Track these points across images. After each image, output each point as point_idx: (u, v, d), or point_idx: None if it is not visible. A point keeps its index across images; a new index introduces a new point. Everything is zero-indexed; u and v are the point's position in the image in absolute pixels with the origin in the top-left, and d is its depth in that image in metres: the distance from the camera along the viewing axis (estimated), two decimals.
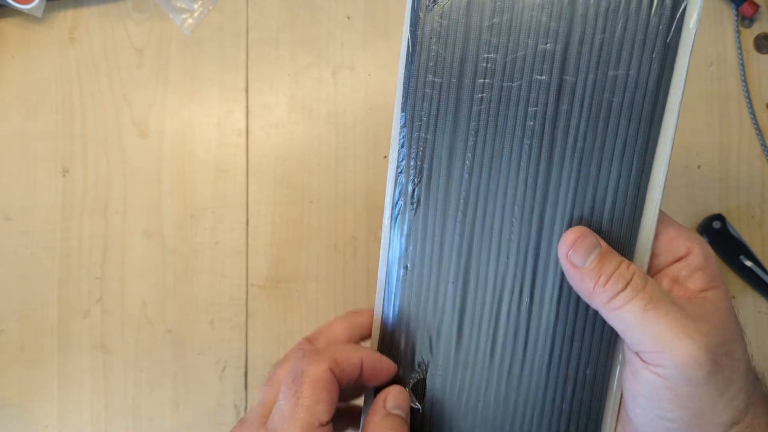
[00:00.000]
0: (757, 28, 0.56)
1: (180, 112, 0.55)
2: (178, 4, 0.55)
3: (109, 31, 0.56)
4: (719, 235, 0.54)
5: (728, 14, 0.56)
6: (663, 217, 0.31)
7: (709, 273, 0.29)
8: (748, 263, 0.54)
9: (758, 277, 0.54)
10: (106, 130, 0.55)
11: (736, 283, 0.56)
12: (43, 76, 0.55)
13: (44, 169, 0.55)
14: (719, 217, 0.54)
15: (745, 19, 0.56)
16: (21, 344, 0.55)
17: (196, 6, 0.55)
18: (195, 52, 0.55)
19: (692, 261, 0.29)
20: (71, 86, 0.55)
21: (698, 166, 0.56)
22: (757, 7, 0.55)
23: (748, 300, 0.56)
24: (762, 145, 0.56)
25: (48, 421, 0.54)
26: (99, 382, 0.54)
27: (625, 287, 0.28)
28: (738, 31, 0.56)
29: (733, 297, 0.55)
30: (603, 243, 0.29)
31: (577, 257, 0.29)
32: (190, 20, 0.55)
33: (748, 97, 0.56)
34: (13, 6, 0.53)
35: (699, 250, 0.30)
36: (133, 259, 0.54)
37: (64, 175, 0.55)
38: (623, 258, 0.29)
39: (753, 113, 0.56)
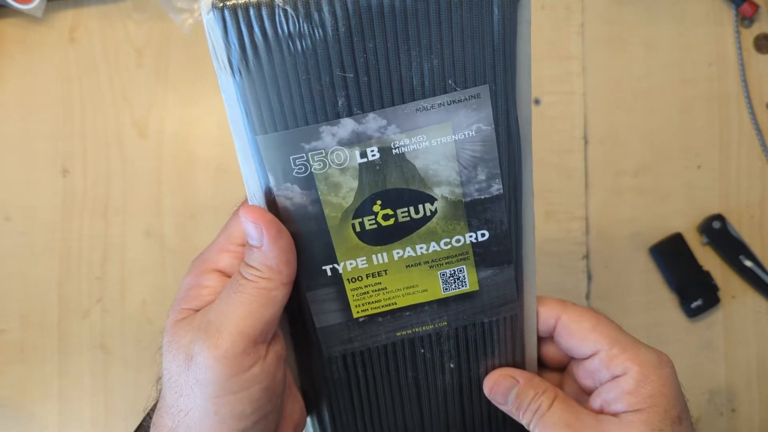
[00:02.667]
0: (757, 28, 0.56)
1: (180, 112, 0.55)
2: (178, 4, 0.55)
3: (109, 31, 0.56)
4: (719, 235, 0.54)
5: (728, 14, 0.56)
6: (612, 334, 0.33)
7: (640, 396, 0.31)
8: (748, 263, 0.54)
9: (758, 277, 0.55)
10: (106, 130, 0.55)
11: (736, 283, 0.56)
12: (43, 76, 0.56)
13: (44, 169, 0.55)
14: (719, 217, 0.54)
15: (745, 19, 0.56)
16: (21, 344, 0.55)
17: (196, 6, 0.55)
18: (195, 52, 0.55)
19: (623, 383, 0.31)
20: (71, 86, 0.55)
21: (698, 166, 0.56)
22: (757, 7, 0.55)
23: (747, 300, 0.56)
24: (762, 145, 0.56)
25: (48, 421, 0.54)
26: (99, 382, 0.54)
27: (533, 415, 0.33)
28: (738, 31, 0.56)
29: (733, 297, 0.55)
30: (521, 378, 0.34)
31: (498, 398, 0.35)
32: (190, 20, 0.55)
33: (748, 97, 0.56)
34: (14, 6, 0.53)
35: (635, 373, 0.31)
36: (133, 259, 0.54)
37: (64, 175, 0.55)
38: (539, 387, 0.34)
39: (753, 113, 0.56)
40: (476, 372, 0.36)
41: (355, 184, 0.31)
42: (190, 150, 0.55)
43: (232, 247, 0.32)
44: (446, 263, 0.33)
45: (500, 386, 0.35)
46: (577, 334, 0.33)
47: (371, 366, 0.35)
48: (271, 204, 0.31)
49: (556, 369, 0.37)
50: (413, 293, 0.33)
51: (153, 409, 0.32)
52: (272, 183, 0.30)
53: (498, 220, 0.32)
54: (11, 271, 0.55)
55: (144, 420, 0.35)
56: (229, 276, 0.32)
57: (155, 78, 0.55)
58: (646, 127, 0.56)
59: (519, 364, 0.36)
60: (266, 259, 0.30)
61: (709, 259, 0.55)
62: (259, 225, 0.29)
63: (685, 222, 0.55)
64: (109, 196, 0.55)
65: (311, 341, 0.34)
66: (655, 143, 0.56)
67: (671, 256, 0.54)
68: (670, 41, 0.56)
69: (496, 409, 0.36)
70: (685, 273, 0.54)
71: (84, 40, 0.56)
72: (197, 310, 0.31)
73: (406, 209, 0.32)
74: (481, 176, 0.31)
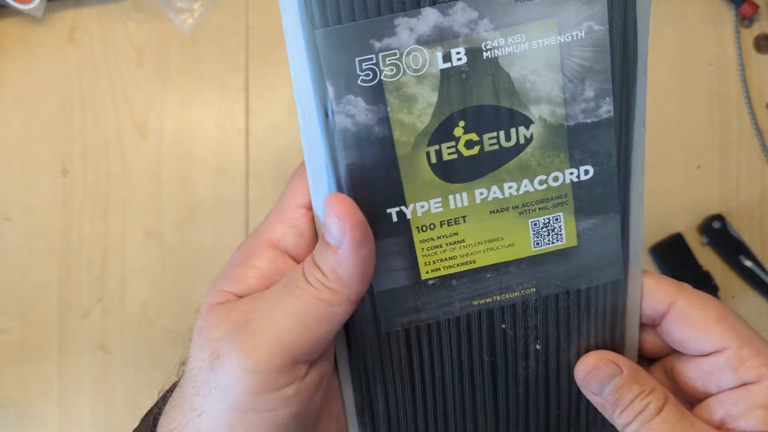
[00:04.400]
0: (757, 28, 0.56)
1: (180, 112, 0.55)
2: (178, 4, 0.55)
3: (109, 31, 0.56)
4: (719, 235, 0.54)
5: (728, 14, 0.56)
6: (743, 330, 0.27)
7: None
8: (748, 263, 0.54)
9: (758, 277, 0.55)
10: (106, 130, 0.55)
11: (736, 283, 0.56)
12: (43, 76, 0.56)
13: (44, 169, 0.55)
14: (719, 217, 0.54)
15: (745, 20, 0.56)
16: (21, 344, 0.55)
17: (196, 6, 0.55)
18: (195, 52, 0.55)
19: (757, 394, 0.25)
20: (71, 86, 0.55)
21: (698, 166, 0.56)
22: (756, 7, 0.55)
23: (747, 300, 0.56)
24: (762, 145, 0.56)
25: (48, 421, 0.54)
26: (99, 382, 0.54)
27: (635, 418, 0.27)
28: (738, 32, 0.56)
29: (733, 297, 0.55)
30: (626, 368, 0.28)
31: (593, 386, 0.28)
32: (190, 20, 0.55)
33: (748, 97, 0.56)
34: (14, 6, 0.53)
35: None
36: (133, 259, 0.54)
37: (64, 175, 0.55)
38: (646, 383, 0.27)
39: (753, 113, 0.56)
40: (566, 356, 0.29)
41: (433, 97, 0.25)
42: (190, 150, 0.55)
43: (287, 214, 0.27)
44: (540, 209, 0.27)
45: (598, 372, 0.28)
46: (697, 324, 0.27)
47: (439, 346, 0.28)
48: (327, 130, 0.25)
49: (646, 360, 0.30)
50: (497, 248, 0.27)
51: (169, 391, 0.29)
52: (331, 95, 0.24)
53: (605, 152, 0.26)
54: (11, 271, 0.55)
55: (157, 403, 0.31)
56: (284, 251, 0.27)
57: (155, 78, 0.55)
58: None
59: (617, 347, 0.29)
60: (339, 267, 0.24)
61: (709, 259, 0.55)
62: (343, 223, 0.24)
63: (685, 222, 0.55)
64: (109, 196, 0.55)
65: (366, 311, 0.28)
66: (655, 143, 0.56)
67: (671, 256, 0.54)
68: (670, 41, 0.56)
69: (589, 405, 0.29)
70: (685, 273, 0.54)
71: (84, 40, 0.56)
72: (240, 296, 0.26)
73: (494, 134, 0.25)
74: (589, 93, 0.25)
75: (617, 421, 0.27)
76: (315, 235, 0.27)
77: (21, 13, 0.55)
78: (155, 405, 0.31)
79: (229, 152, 0.54)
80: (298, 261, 0.27)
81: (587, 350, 0.29)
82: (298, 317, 0.24)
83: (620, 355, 0.29)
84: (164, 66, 0.55)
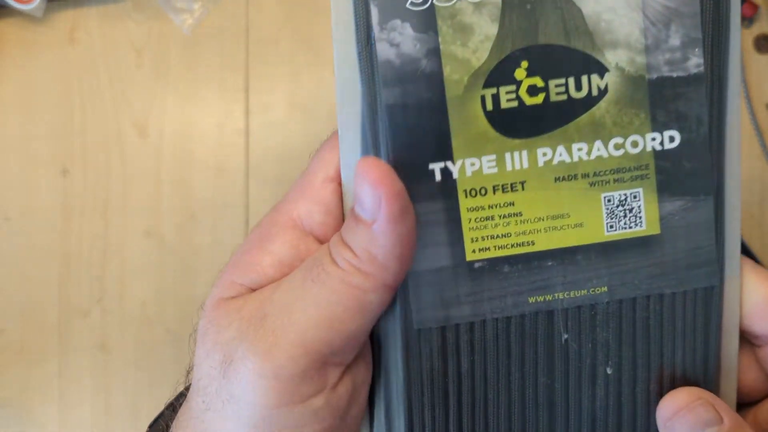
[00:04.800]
0: (757, 29, 0.56)
1: (180, 112, 0.55)
2: (178, 4, 0.55)
3: (109, 31, 0.56)
4: None
5: None
6: None
7: None
8: None
9: None
10: (106, 130, 0.55)
11: None
12: (43, 76, 0.56)
13: (44, 169, 0.55)
14: None
15: (745, 20, 0.56)
16: (21, 344, 0.55)
17: (196, 6, 0.55)
18: (195, 52, 0.55)
19: None
20: (71, 86, 0.55)
21: None
22: (757, 7, 0.55)
23: None
24: (762, 145, 0.56)
25: (48, 421, 0.54)
26: (99, 382, 0.54)
27: None
28: None
29: None
30: (727, 417, 0.21)
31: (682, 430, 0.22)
32: (190, 20, 0.55)
33: (748, 97, 0.56)
34: (14, 6, 0.53)
35: None
36: (133, 259, 0.54)
37: (64, 175, 0.55)
38: None
39: (753, 113, 0.56)
40: (644, 386, 0.23)
41: (493, 29, 0.21)
42: (190, 150, 0.55)
43: (313, 188, 0.23)
44: (615, 181, 0.22)
45: (691, 416, 0.21)
46: None
47: (483, 355, 0.23)
48: (367, 62, 0.21)
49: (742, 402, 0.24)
50: (561, 228, 0.22)
51: (177, 399, 0.26)
52: (374, 20, 0.21)
53: (694, 116, 0.21)
54: (11, 271, 0.55)
55: (163, 413, 0.28)
56: (308, 232, 0.23)
57: (155, 78, 0.55)
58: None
59: (710, 381, 0.23)
60: (373, 245, 0.20)
61: None
62: (378, 192, 0.20)
63: None
64: (109, 196, 0.55)
65: (394, 300, 0.23)
66: None
67: None
68: None
69: None
70: None
71: (84, 40, 0.56)
72: (253, 289, 0.22)
73: (563, 81, 0.21)
74: (675, 40, 0.21)
75: None
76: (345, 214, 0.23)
77: (21, 13, 0.55)
78: (163, 412, 0.28)
79: (229, 152, 0.54)
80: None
81: (672, 381, 0.23)
82: (325, 308, 0.20)
83: (719, 398, 0.22)
84: (164, 66, 0.55)
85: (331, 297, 0.20)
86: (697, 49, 0.21)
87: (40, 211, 0.55)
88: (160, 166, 0.55)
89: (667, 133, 0.22)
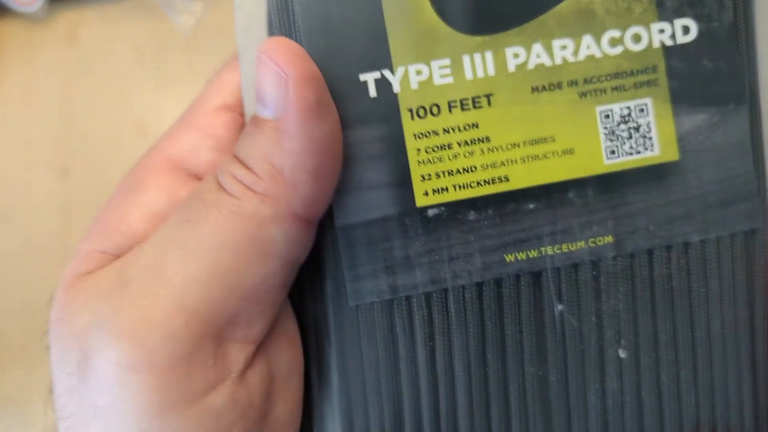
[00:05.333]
0: None
1: (180, 112, 0.55)
2: (178, 5, 0.55)
3: (109, 31, 0.56)
4: None
5: None
6: None
7: None
8: None
9: None
10: (106, 130, 0.55)
11: None
12: (43, 76, 0.56)
13: (44, 169, 0.55)
14: None
15: None
16: (21, 344, 0.55)
17: (196, 6, 0.55)
18: (195, 52, 0.55)
19: None
20: (72, 86, 0.55)
21: None
22: None
23: None
24: None
25: (48, 421, 0.54)
26: None
27: None
28: None
29: None
30: None
31: None
32: (190, 21, 0.55)
33: None
34: (15, 7, 0.53)
35: None
36: None
37: (64, 176, 0.55)
38: None
39: None
40: (671, 371, 0.17)
41: None
42: None
43: (201, 118, 0.18)
44: (613, 90, 0.16)
45: None
46: None
47: (446, 335, 0.17)
48: None
49: None
50: (545, 157, 0.16)
51: None
52: None
53: (714, 0, 0.16)
54: (11, 271, 0.55)
55: None
56: (192, 174, 0.17)
57: (155, 78, 0.55)
58: None
59: (759, 360, 0.17)
60: (276, 152, 0.14)
61: None
62: (284, 75, 0.14)
63: None
64: (108, 196, 0.55)
65: (321, 266, 0.17)
66: None
67: None
68: None
69: None
70: None
71: (84, 40, 0.56)
72: (117, 256, 0.16)
73: None
74: None
75: None
76: None
77: (22, 13, 0.55)
78: None
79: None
80: None
81: (709, 364, 0.17)
82: (208, 254, 0.14)
83: None
84: (164, 66, 0.55)
85: (216, 238, 0.14)
86: None
87: (40, 211, 0.55)
88: None
89: (679, 23, 0.16)
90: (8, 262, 0.55)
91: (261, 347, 0.16)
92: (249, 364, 0.15)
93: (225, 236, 0.15)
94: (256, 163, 0.15)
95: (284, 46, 0.15)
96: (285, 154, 0.14)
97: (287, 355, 0.17)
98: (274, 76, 0.14)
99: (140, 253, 0.16)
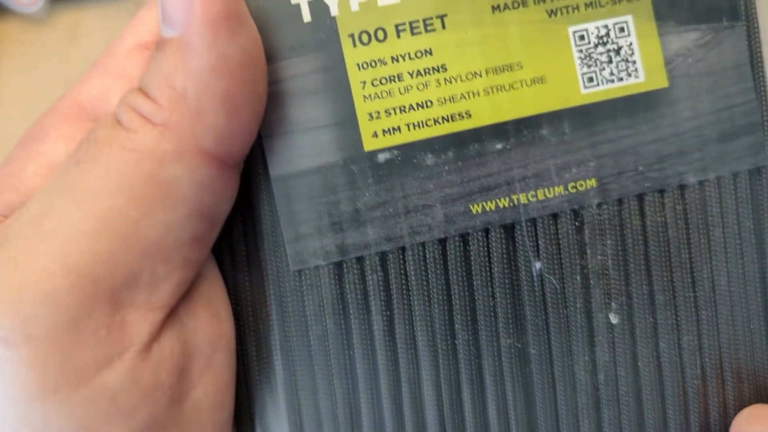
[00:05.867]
0: None
1: None
2: None
3: (110, 31, 0.56)
4: None
5: None
6: None
7: None
8: None
9: None
10: None
11: None
12: (43, 76, 0.55)
13: None
14: None
15: None
16: None
17: None
18: None
19: None
20: (71, 86, 0.55)
21: None
22: None
23: None
24: None
25: None
26: None
27: None
28: None
29: None
30: None
31: None
32: None
33: None
34: (15, 7, 0.53)
35: None
36: None
37: None
38: None
39: None
40: (671, 338, 0.14)
41: None
42: None
43: (118, 57, 0.15)
44: (587, 6, 0.14)
45: None
46: None
47: (405, 302, 0.14)
48: None
49: None
50: (513, 88, 0.14)
51: None
52: None
53: None
54: None
55: None
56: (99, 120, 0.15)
57: None
58: None
59: None
60: (180, 72, 0.12)
61: None
62: None
63: None
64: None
65: (256, 224, 0.15)
66: None
67: None
68: None
69: None
70: None
71: (85, 40, 0.56)
72: (7, 217, 0.14)
73: None
74: None
75: None
76: None
77: (22, 13, 0.55)
78: None
79: None
80: None
81: (716, 329, 0.15)
82: (95, 201, 0.12)
83: None
84: None
85: (107, 180, 0.12)
86: None
87: None
88: None
89: None
90: None
91: (172, 316, 0.13)
92: (155, 336, 0.13)
93: (118, 178, 0.12)
94: (156, 89, 0.13)
95: None
96: (188, 74, 0.12)
97: (209, 328, 0.14)
98: None
99: (24, 208, 0.13)
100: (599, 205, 0.15)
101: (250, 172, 0.15)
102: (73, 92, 0.16)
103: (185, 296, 0.14)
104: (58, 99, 0.17)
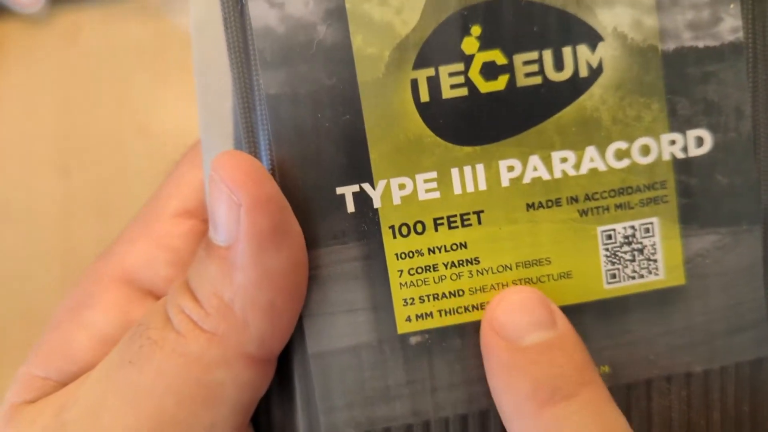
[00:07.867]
0: None
1: (181, 112, 0.55)
2: (178, 5, 0.55)
3: (110, 31, 0.56)
4: None
5: None
6: None
7: None
8: None
9: None
10: (107, 130, 0.55)
11: None
12: (43, 76, 0.56)
13: (44, 169, 0.55)
14: None
15: None
16: (21, 344, 0.55)
17: None
18: None
19: None
20: (72, 86, 0.55)
21: None
22: None
23: None
24: None
25: None
26: None
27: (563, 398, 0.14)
28: None
29: None
30: (562, 321, 0.15)
31: (510, 327, 0.14)
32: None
33: None
34: (15, 7, 0.53)
35: None
36: None
37: (64, 175, 0.55)
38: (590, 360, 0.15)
39: None
40: None
41: None
42: None
43: (156, 225, 0.17)
44: (617, 208, 0.15)
45: (525, 312, 0.14)
46: None
47: None
48: (236, 31, 0.14)
49: None
50: (540, 281, 0.15)
51: None
52: None
53: (732, 107, 0.14)
54: (11, 270, 0.55)
55: None
56: (146, 291, 0.16)
57: (156, 78, 0.55)
58: None
59: None
60: (226, 285, 0.13)
61: None
62: (235, 198, 0.13)
63: None
64: (109, 196, 0.55)
65: (292, 395, 0.16)
66: None
67: None
68: None
69: None
70: None
71: (85, 40, 0.56)
72: (64, 384, 0.15)
73: (535, 56, 0.14)
74: None
75: (506, 397, 0.15)
76: None
77: (22, 13, 0.55)
78: None
79: None
80: None
81: None
82: (148, 401, 0.13)
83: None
84: (165, 66, 0.55)
85: (158, 382, 0.13)
86: (732, 6, 0.14)
87: (40, 211, 0.55)
88: (161, 166, 0.55)
89: (692, 133, 0.15)
90: (8, 262, 0.55)
91: None
92: None
93: (168, 381, 0.13)
94: (204, 296, 0.13)
95: (237, 164, 0.13)
96: (235, 287, 0.13)
97: None
98: (225, 201, 0.13)
99: (80, 393, 0.14)
100: (610, 388, 0.15)
101: (288, 346, 0.16)
102: (118, 255, 0.17)
103: None
104: (103, 257, 0.18)
